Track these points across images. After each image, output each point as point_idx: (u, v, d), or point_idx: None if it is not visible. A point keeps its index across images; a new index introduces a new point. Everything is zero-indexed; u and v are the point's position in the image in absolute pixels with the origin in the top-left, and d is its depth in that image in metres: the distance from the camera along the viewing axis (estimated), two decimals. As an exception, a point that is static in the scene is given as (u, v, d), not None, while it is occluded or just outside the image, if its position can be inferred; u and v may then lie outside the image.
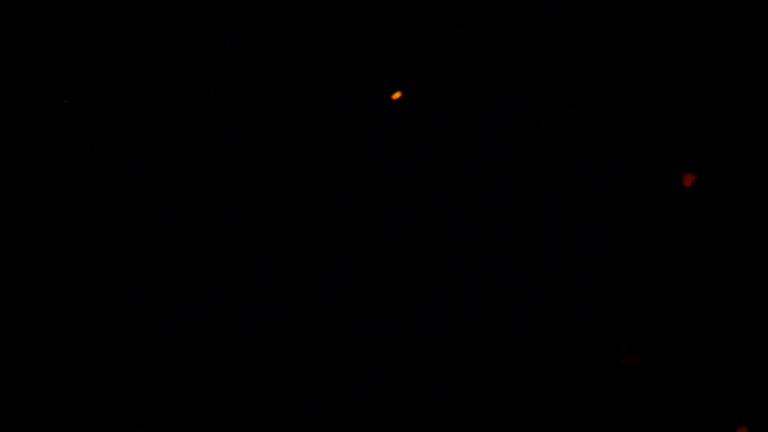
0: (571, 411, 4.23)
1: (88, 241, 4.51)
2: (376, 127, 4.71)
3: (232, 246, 4.54)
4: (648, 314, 4.30)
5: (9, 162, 4.58)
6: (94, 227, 4.54)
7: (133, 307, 4.41)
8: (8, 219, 4.51)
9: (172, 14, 4.76)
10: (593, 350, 4.30)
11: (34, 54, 4.69)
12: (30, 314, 4.38)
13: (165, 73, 4.76)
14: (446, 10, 4.75)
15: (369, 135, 4.71)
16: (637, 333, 4.28)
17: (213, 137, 4.68)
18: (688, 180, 3.90)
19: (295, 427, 4.37)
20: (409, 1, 4.77)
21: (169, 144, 4.67)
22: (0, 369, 4.27)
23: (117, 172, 4.62)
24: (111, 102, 4.71)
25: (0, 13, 4.67)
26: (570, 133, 4.68)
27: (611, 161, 4.63)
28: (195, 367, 4.35)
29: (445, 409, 4.54)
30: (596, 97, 4.68)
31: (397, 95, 3.87)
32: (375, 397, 4.48)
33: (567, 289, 4.44)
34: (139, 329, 4.38)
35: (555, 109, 4.70)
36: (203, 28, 4.77)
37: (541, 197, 4.59)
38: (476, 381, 4.51)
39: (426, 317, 4.51)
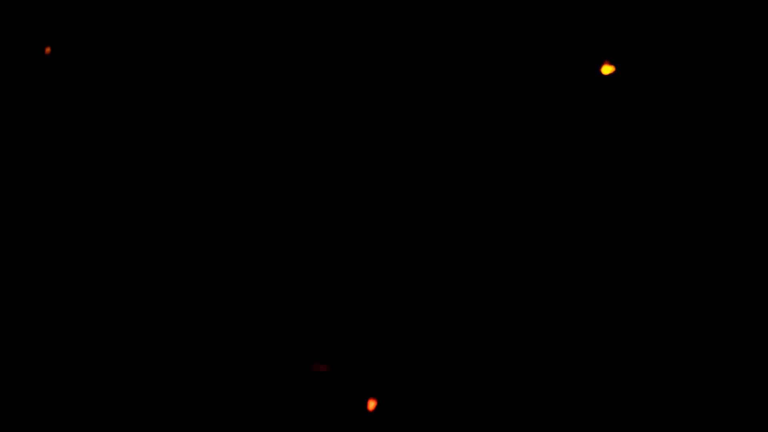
0: (571, 410, 4.23)
1: (87, 239, 4.51)
2: (375, 128, 4.71)
3: (231, 246, 4.53)
4: (649, 314, 4.30)
5: (9, 162, 4.58)
6: (92, 226, 4.54)
7: (132, 307, 4.41)
8: (8, 219, 4.50)
9: (172, 14, 4.76)
10: (596, 350, 4.29)
11: (34, 54, 4.69)
12: (30, 314, 4.38)
13: (165, 73, 4.76)
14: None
15: (369, 135, 4.71)
16: (639, 333, 4.28)
17: (213, 137, 4.67)
18: (607, 69, 3.89)
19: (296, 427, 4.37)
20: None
21: (168, 143, 4.67)
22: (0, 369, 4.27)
23: (116, 171, 4.62)
24: (111, 102, 4.71)
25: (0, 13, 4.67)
26: (570, 133, 4.68)
27: (611, 162, 4.63)
28: (193, 367, 4.35)
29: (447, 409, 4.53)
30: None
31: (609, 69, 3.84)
32: (376, 397, 4.48)
33: (567, 290, 4.43)
34: (138, 329, 4.37)
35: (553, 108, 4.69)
36: (203, 28, 4.77)
37: (540, 198, 4.59)
38: (477, 381, 4.51)
39: (426, 318, 4.50)
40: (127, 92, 4.71)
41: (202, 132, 4.68)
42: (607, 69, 3.93)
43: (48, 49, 3.92)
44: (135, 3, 4.73)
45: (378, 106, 4.71)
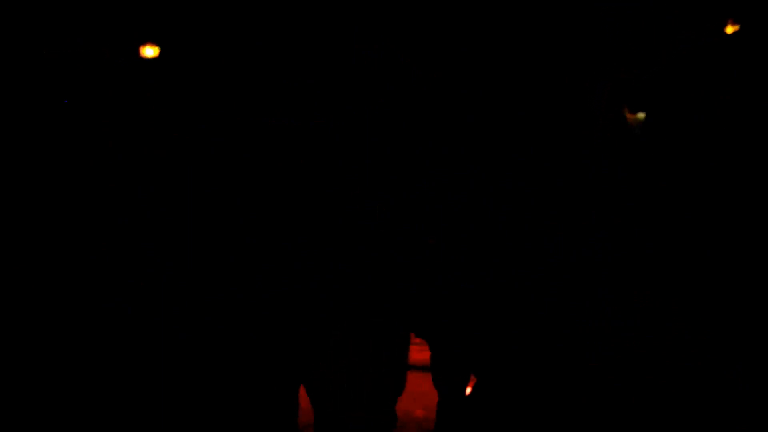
0: (571, 410, 4.23)
1: (87, 239, 4.51)
2: (375, 128, 4.71)
3: (230, 247, 4.53)
4: (649, 313, 4.30)
5: (8, 162, 4.58)
6: (92, 226, 4.54)
7: (132, 308, 4.41)
8: (7, 219, 4.51)
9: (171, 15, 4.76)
10: (596, 350, 4.30)
11: (34, 54, 4.69)
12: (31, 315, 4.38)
13: (164, 73, 4.76)
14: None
15: (369, 136, 4.71)
16: (639, 333, 4.28)
17: (212, 138, 4.67)
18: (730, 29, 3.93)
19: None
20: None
21: (168, 143, 4.67)
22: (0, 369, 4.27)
23: (116, 171, 4.62)
24: (111, 102, 4.71)
25: (1, 13, 4.67)
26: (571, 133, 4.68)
27: (611, 162, 4.63)
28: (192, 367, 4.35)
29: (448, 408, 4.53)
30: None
31: None
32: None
33: (567, 290, 4.44)
34: (138, 329, 4.37)
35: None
36: (203, 28, 4.77)
37: (540, 198, 4.59)
38: (477, 381, 4.51)
39: (426, 318, 4.50)
40: (127, 92, 4.71)
41: (202, 132, 4.68)
42: (730, 28, 3.97)
43: (149, 48, 3.91)
44: (136, 3, 4.73)
45: (378, 106, 4.71)
